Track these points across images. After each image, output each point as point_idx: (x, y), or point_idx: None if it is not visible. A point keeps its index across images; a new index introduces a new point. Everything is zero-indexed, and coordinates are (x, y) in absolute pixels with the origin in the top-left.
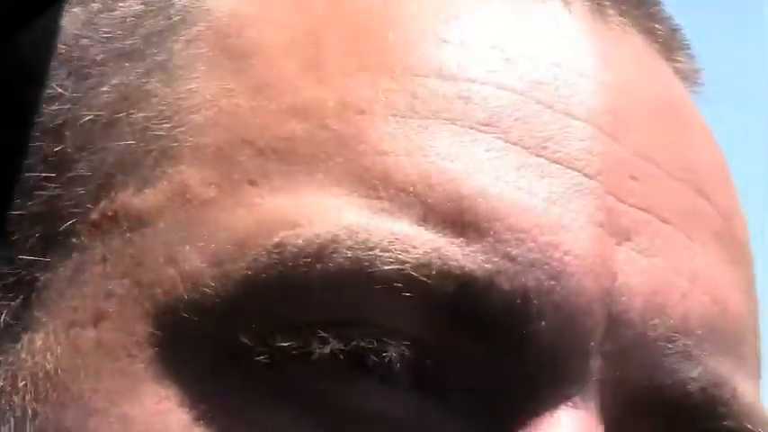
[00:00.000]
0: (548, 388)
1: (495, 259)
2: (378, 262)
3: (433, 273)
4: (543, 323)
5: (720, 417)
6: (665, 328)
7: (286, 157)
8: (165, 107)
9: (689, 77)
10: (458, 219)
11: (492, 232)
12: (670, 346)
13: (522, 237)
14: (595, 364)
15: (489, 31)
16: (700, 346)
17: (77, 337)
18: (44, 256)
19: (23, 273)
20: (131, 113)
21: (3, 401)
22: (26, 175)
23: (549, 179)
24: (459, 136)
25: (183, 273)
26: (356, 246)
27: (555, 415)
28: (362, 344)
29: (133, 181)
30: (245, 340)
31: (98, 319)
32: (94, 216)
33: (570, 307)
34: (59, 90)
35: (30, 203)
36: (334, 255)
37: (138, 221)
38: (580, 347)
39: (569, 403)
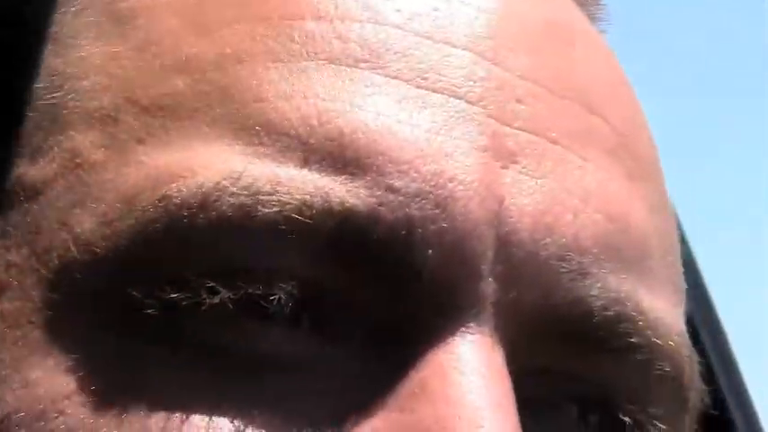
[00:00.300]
0: (441, 316)
1: (378, 192)
2: (260, 206)
3: (315, 212)
4: (430, 251)
5: (625, 333)
6: (557, 247)
7: (171, 113)
8: (55, 77)
9: (585, 2)
10: (339, 157)
11: (374, 167)
12: (564, 264)
13: (404, 168)
14: (488, 287)
15: None
16: (597, 263)
17: None
18: None
19: None
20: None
21: None
22: None
23: (431, 109)
24: (338, 75)
25: (75, 235)
26: (239, 192)
27: (451, 342)
28: (251, 290)
29: (28, 152)
30: (136, 294)
31: (0, 291)
32: None
33: (456, 233)
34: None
35: None
36: (218, 203)
37: (34, 191)
38: (470, 272)
39: (464, 329)
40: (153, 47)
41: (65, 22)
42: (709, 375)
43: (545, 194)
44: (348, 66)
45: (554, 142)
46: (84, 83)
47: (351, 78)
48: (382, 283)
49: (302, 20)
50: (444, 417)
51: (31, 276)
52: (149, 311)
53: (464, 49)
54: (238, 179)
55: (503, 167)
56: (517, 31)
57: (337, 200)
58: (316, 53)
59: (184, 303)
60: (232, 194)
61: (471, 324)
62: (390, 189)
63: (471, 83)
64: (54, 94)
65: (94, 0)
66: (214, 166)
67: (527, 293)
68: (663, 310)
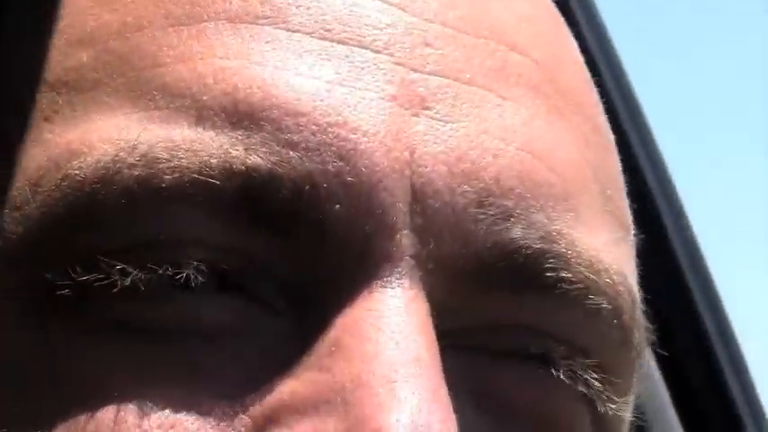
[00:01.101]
0: (357, 272)
1: (277, 148)
2: (161, 174)
3: (216, 172)
4: (337, 206)
5: (553, 269)
6: (476, 193)
7: (75, 88)
8: None
9: None
10: (234, 112)
11: (271, 121)
12: (483, 210)
13: (302, 121)
14: (405, 240)
15: None
16: (522, 203)
17: None
18: None
19: None
20: None
21: None
22: None
23: (335, 61)
24: (237, 34)
25: None
26: (136, 162)
27: (368, 298)
28: (161, 270)
29: None
30: (49, 277)
31: None
32: None
33: (363, 186)
34: None
35: None
36: (117, 176)
37: None
38: (382, 225)
39: (382, 284)
40: (59, 22)
41: None
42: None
43: (460, 139)
44: (248, 23)
45: (469, 83)
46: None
47: (251, 35)
48: (294, 243)
49: None
50: (359, 374)
51: None
52: (64, 293)
53: None
54: (134, 148)
55: (413, 115)
56: None
57: (236, 159)
58: (216, 13)
59: (96, 285)
60: (130, 165)
61: (389, 278)
62: (289, 144)
63: (377, 31)
64: None
65: None
66: (112, 137)
67: (447, 244)
68: (601, 248)
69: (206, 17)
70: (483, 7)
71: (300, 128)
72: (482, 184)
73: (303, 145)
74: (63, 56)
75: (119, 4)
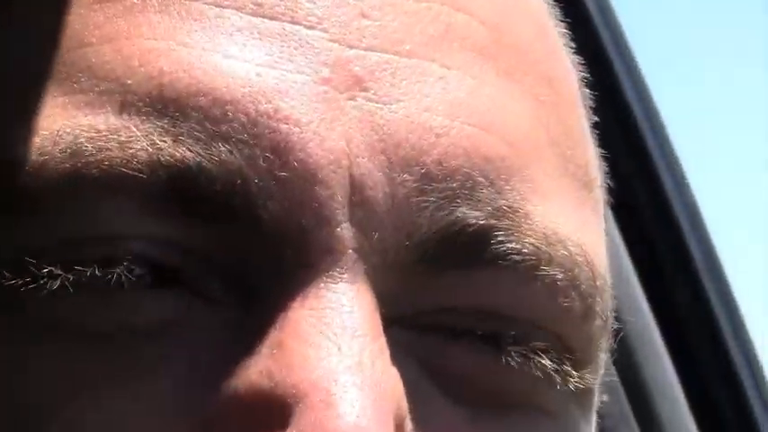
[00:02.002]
0: (297, 265)
1: (205, 140)
2: (87, 168)
3: (143, 167)
4: (269, 202)
5: (501, 242)
6: (417, 181)
7: (9, 73)
8: None
9: None
10: (159, 99)
11: (198, 109)
12: (426, 198)
13: (230, 110)
14: (347, 233)
15: None
16: (467, 183)
17: None
18: None
19: None
20: None
21: None
22: None
23: (266, 40)
24: (165, 11)
25: None
26: (62, 156)
27: (310, 295)
28: (89, 271)
29: None
30: None
31: None
32: None
33: (297, 180)
34: None
35: None
36: (43, 171)
37: None
38: (319, 219)
39: (325, 279)
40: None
41: None
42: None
43: (400, 122)
44: (177, 0)
45: (409, 56)
46: None
47: (178, 12)
48: (231, 234)
49: None
50: (299, 384)
51: None
52: None
53: None
54: (59, 140)
55: (349, 99)
56: None
57: (164, 150)
58: None
59: (22, 289)
60: (56, 160)
61: (331, 273)
62: (218, 136)
63: (310, 4)
64: None
65: None
66: (39, 126)
67: (390, 236)
68: (558, 218)
69: None
70: None
71: (229, 117)
72: (423, 170)
73: (233, 137)
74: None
75: None
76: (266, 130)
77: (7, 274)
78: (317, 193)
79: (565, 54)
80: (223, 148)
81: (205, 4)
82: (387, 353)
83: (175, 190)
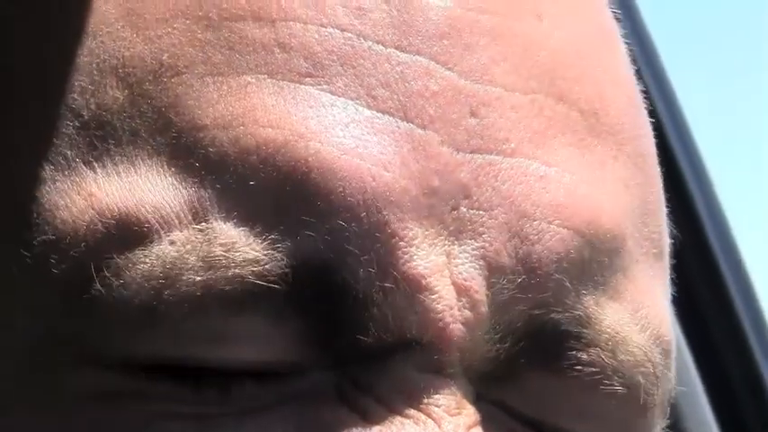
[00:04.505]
0: (405, 363)
1: (322, 246)
2: (221, 282)
3: (275, 281)
4: (387, 310)
5: (573, 350)
6: (515, 288)
7: (112, 134)
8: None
9: None
10: (281, 199)
11: (317, 214)
12: (522, 305)
13: (346, 217)
14: (453, 333)
15: None
16: (556, 290)
17: None
18: None
19: None
20: None
21: None
22: None
23: (379, 137)
24: (279, 93)
25: (31, 271)
26: (198, 266)
27: (420, 389)
28: (213, 386)
29: None
30: (89, 372)
31: None
32: None
33: (406, 291)
34: None
35: None
36: (181, 280)
37: None
38: (427, 322)
39: (432, 375)
40: (88, 39)
41: None
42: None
43: (499, 229)
44: (291, 81)
45: (512, 154)
46: (21, 69)
47: (293, 97)
48: (348, 338)
49: (243, 21)
50: None
51: None
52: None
53: (415, 54)
54: (195, 248)
55: (453, 209)
56: (476, 18)
57: (293, 260)
58: (257, 65)
59: (134, 392)
60: (193, 269)
61: (439, 370)
62: (334, 243)
63: (423, 100)
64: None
65: None
66: (171, 225)
67: (490, 337)
68: (625, 318)
69: (246, 68)
70: (533, 51)
71: (344, 225)
72: (520, 279)
73: (345, 245)
74: (96, 86)
75: (150, 31)
76: (376, 242)
77: (114, 377)
78: (424, 299)
79: (645, 112)
80: (343, 256)
81: (320, 89)
82: None
83: (298, 291)
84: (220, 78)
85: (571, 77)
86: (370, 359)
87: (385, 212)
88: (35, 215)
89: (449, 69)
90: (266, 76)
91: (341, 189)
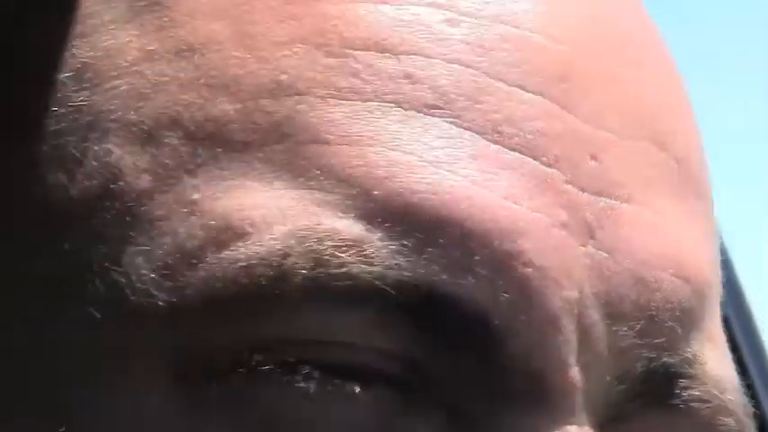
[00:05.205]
0: (527, 401)
1: (450, 268)
2: (332, 279)
3: (389, 286)
4: (511, 341)
5: (686, 388)
6: (635, 335)
7: (220, 143)
8: (83, 69)
9: None
10: (410, 218)
11: (445, 236)
12: (640, 350)
13: (476, 244)
14: (577, 376)
15: None
16: (671, 334)
17: (12, 340)
18: None
19: None
20: (36, 64)
21: None
22: None
23: (507, 171)
24: (406, 121)
25: (130, 280)
26: (306, 262)
27: (543, 427)
28: (327, 369)
29: (60, 161)
30: (190, 351)
31: (41, 321)
32: (19, 192)
33: (537, 324)
34: None
35: None
36: (288, 274)
37: (71, 209)
38: (556, 362)
39: (556, 415)
40: (196, 55)
41: None
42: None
43: (622, 275)
44: (417, 111)
45: (628, 201)
46: (118, 83)
47: (421, 127)
48: (459, 364)
49: (366, 51)
50: None
51: (79, 315)
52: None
53: (538, 94)
54: (303, 240)
55: (581, 245)
56: (587, 62)
57: (411, 272)
58: (383, 93)
59: (272, 376)
60: (301, 265)
61: (562, 412)
62: (464, 267)
63: (547, 139)
64: (84, 91)
65: None
66: (278, 221)
67: (609, 380)
68: (724, 363)
69: (373, 95)
70: (639, 99)
71: (475, 251)
72: (639, 326)
73: (477, 271)
74: (204, 100)
75: (268, 53)
76: (509, 271)
77: (255, 357)
78: (554, 339)
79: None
80: (469, 281)
81: (447, 121)
82: None
83: (418, 315)
84: (344, 102)
85: (668, 126)
86: (484, 391)
87: (519, 242)
88: (142, 228)
89: (569, 112)
90: (393, 104)
91: (471, 217)
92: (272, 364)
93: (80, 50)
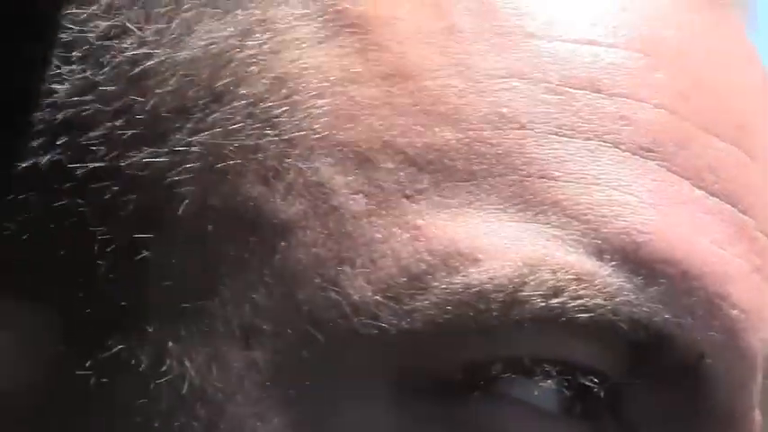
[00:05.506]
0: None
1: (671, 307)
2: (571, 311)
3: (623, 321)
4: (718, 381)
5: None
6: None
7: (442, 171)
8: (275, 82)
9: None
10: (636, 257)
11: (668, 277)
12: None
13: (695, 285)
14: (758, 417)
15: (636, 32)
16: None
17: (224, 351)
18: (146, 229)
19: (120, 242)
20: (230, 80)
21: (117, 394)
22: (105, 123)
23: (710, 216)
24: (624, 162)
25: (352, 301)
26: (541, 290)
27: None
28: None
29: (256, 171)
30: (441, 377)
31: (247, 334)
32: (214, 201)
33: (741, 367)
34: (133, 28)
35: (110, 164)
36: (524, 302)
37: (278, 226)
38: (747, 403)
39: None
40: (408, 81)
41: (270, 4)
42: None
43: None
44: (633, 153)
45: None
46: (321, 102)
47: (638, 168)
48: (666, 398)
49: (583, 90)
50: None
51: (292, 331)
52: (426, 393)
53: (730, 143)
54: (536, 270)
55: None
56: (755, 110)
57: (639, 310)
58: (601, 132)
59: (489, 389)
60: (535, 293)
61: None
62: (683, 307)
63: (742, 188)
64: (279, 106)
65: None
66: (509, 250)
67: None
68: None
69: (592, 134)
70: None
71: (692, 292)
72: None
73: (693, 311)
74: (421, 127)
75: (486, 84)
76: (719, 312)
77: (449, 383)
78: (756, 381)
79: None
80: (689, 321)
81: (661, 166)
82: None
83: (639, 350)
84: (565, 140)
85: None
86: (681, 427)
87: (728, 286)
88: (358, 249)
89: (752, 158)
90: (610, 144)
91: (691, 259)
92: (498, 384)
93: (272, 64)
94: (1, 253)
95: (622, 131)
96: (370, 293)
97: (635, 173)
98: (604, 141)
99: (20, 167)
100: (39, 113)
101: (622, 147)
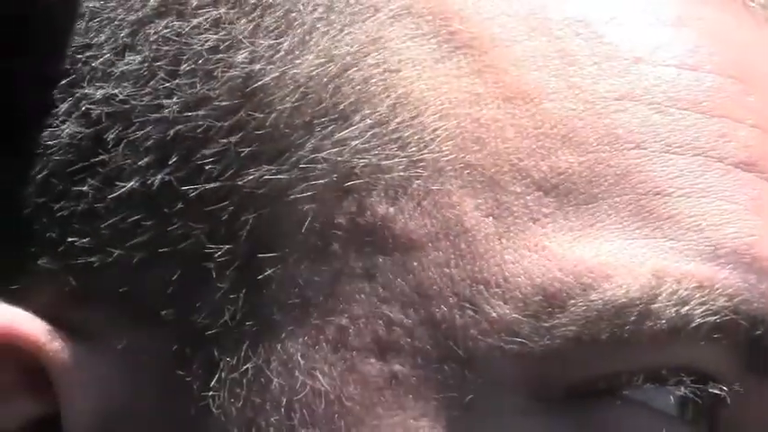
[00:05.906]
0: None
1: None
2: (699, 317)
3: (740, 317)
4: None
5: None
6: None
7: (566, 194)
8: (395, 102)
9: None
10: (745, 258)
11: None
12: None
13: None
14: None
15: (728, 57)
16: None
17: (360, 365)
18: (268, 247)
19: (241, 261)
20: (353, 99)
21: (247, 411)
22: (219, 140)
23: None
24: (727, 174)
25: (491, 319)
26: (669, 301)
27: None
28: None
29: (383, 189)
30: (578, 387)
31: (383, 348)
32: (340, 220)
33: None
34: (245, 42)
35: (225, 183)
36: (656, 314)
37: (409, 244)
38: None
39: None
40: (528, 103)
41: (383, 22)
42: None
43: None
44: (735, 167)
45: None
46: (447, 125)
47: (739, 180)
48: None
49: (687, 111)
50: None
51: (431, 348)
52: (563, 404)
53: None
54: (665, 283)
55: None
56: None
57: (756, 306)
58: (707, 150)
59: (626, 397)
60: (667, 305)
61: None
62: None
63: None
64: (408, 129)
65: (411, 6)
66: (635, 265)
67: None
68: None
69: (696, 150)
70: None
71: None
72: None
73: None
74: (544, 151)
75: (602, 107)
76: None
77: (586, 393)
78: None
79: None
80: None
81: (757, 177)
82: None
83: (755, 345)
84: (676, 158)
85: None
86: None
87: None
88: (490, 269)
89: None
90: (714, 159)
91: None
92: (633, 391)
93: (390, 84)
94: (110, 280)
95: (724, 148)
96: (508, 311)
97: (737, 184)
98: (710, 157)
99: (124, 188)
100: (146, 129)
101: (725, 161)
